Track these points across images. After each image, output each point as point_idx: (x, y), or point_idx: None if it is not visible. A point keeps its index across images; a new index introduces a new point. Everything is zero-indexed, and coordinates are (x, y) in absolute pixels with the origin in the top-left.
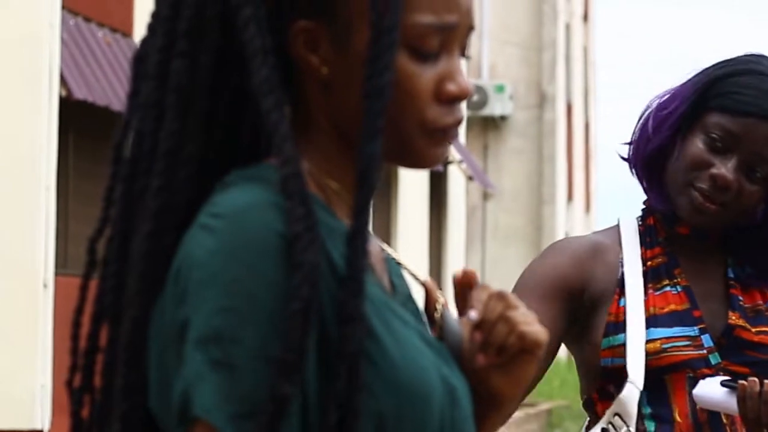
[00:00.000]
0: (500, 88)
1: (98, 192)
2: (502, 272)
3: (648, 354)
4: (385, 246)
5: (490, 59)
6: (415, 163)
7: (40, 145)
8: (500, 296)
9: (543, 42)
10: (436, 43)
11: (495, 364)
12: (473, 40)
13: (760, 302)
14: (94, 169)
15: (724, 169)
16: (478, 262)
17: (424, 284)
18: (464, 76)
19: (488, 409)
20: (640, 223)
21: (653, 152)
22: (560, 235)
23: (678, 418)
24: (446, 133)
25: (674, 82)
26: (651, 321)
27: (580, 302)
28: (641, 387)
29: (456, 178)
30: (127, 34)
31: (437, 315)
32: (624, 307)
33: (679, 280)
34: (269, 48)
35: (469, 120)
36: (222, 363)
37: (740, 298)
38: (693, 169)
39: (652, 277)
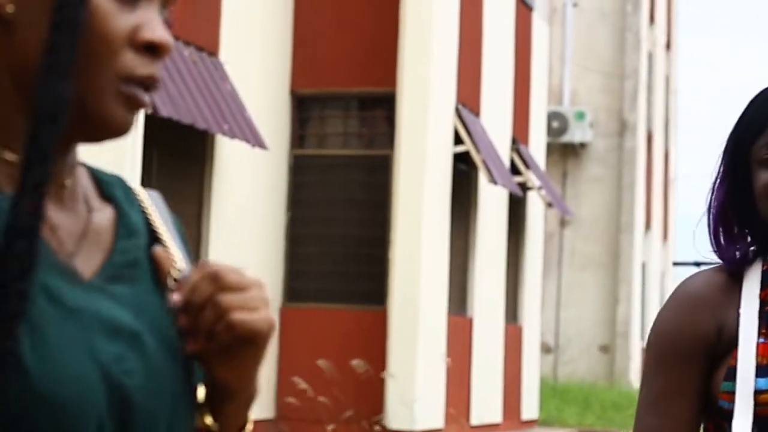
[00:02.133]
0: (581, 115)
1: (180, 209)
2: (577, 299)
3: (762, 404)
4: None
5: (571, 86)
6: (99, 126)
7: (125, 161)
8: (213, 277)
9: (625, 70)
10: None
11: (210, 350)
12: (554, 66)
13: None
14: (176, 186)
15: None
16: (554, 288)
17: (153, 255)
18: (164, 31)
19: (220, 399)
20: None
21: (726, 209)
22: (637, 264)
23: None
24: (137, 92)
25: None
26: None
27: (715, 349)
28: None
29: (535, 204)
30: (213, 53)
31: (170, 287)
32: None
33: None
34: None
35: (549, 146)
36: None
37: None
38: None
39: None
